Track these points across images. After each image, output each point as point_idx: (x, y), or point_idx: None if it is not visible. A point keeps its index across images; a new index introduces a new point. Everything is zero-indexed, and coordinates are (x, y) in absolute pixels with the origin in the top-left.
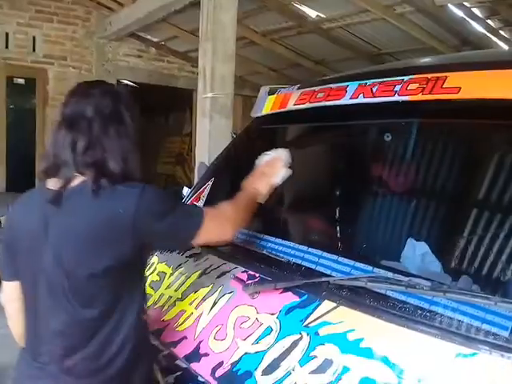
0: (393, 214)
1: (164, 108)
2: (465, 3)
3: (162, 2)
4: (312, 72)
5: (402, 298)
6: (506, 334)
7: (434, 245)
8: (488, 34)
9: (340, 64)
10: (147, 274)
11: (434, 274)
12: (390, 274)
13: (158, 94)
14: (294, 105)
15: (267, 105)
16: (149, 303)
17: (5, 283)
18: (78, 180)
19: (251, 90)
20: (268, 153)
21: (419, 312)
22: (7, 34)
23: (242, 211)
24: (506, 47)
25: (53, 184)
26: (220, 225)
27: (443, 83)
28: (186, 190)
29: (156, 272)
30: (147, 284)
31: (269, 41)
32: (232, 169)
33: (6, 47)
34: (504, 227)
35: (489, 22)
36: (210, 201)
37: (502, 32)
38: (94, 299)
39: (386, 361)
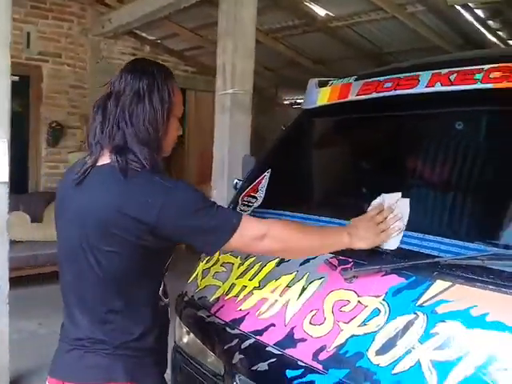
0: (494, 193)
1: None
2: (470, 4)
3: None
4: (310, 71)
5: None
6: None
7: None
8: (488, 35)
9: (338, 63)
10: (209, 266)
11: None
12: (509, 252)
13: None
14: (358, 95)
15: (322, 96)
16: (217, 294)
17: None
18: (106, 160)
19: None
20: (391, 196)
21: None
22: None
23: (303, 242)
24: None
25: (88, 159)
26: (259, 237)
27: None
28: (236, 182)
29: (219, 263)
30: (211, 276)
31: (270, 39)
32: (288, 160)
33: None
34: None
35: (489, 22)
36: (272, 191)
37: (499, 32)
38: (114, 271)
39: None
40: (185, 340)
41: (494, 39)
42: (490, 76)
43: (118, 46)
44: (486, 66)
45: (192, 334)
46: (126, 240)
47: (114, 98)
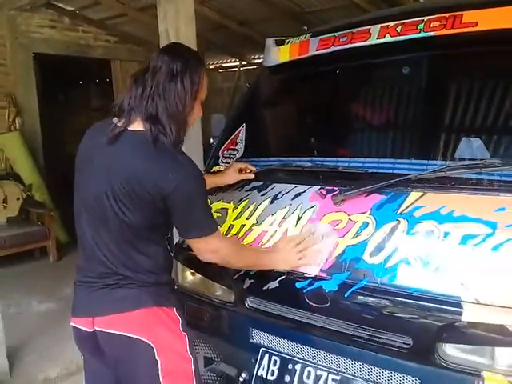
0: (444, 121)
1: (75, 81)
2: None
3: None
4: (234, 35)
5: (478, 177)
6: None
7: None
8: None
9: (262, 25)
10: None
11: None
12: (464, 162)
13: (71, 66)
14: (317, 50)
15: (282, 54)
16: None
17: None
18: (138, 126)
19: None
20: (321, 226)
21: (496, 184)
22: None
23: (242, 263)
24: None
25: (117, 122)
26: (213, 251)
27: (461, 20)
28: (211, 140)
29: (213, 211)
30: None
31: (196, 3)
32: (259, 113)
33: None
34: None
35: None
36: (251, 142)
37: None
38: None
39: (479, 220)
40: (189, 281)
41: None
42: (431, 25)
43: (36, 19)
44: (426, 18)
45: (197, 274)
46: (145, 199)
47: (151, 73)
